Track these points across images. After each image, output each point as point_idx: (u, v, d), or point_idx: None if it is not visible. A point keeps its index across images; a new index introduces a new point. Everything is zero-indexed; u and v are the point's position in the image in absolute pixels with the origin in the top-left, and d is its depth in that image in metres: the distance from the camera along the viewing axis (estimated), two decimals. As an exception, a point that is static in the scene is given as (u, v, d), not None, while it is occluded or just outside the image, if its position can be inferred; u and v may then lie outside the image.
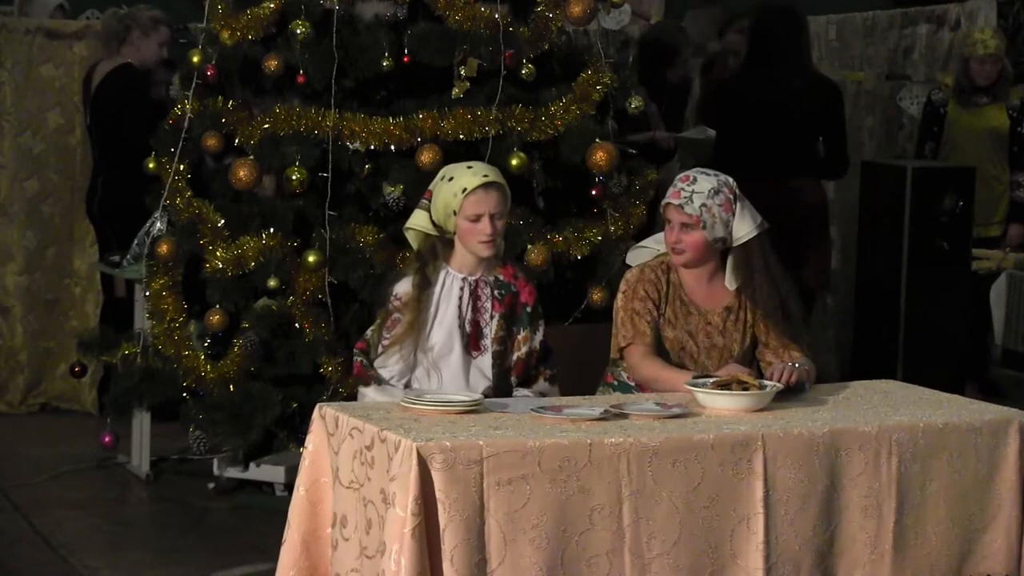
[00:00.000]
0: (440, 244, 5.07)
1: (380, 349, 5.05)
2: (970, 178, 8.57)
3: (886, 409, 4.63)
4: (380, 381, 5.01)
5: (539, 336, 5.13)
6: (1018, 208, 8.86)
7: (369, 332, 5.15)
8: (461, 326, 5.04)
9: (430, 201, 5.06)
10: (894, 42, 9.80)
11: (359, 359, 5.08)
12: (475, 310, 5.07)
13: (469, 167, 5.09)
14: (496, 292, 5.10)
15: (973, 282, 8.56)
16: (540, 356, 5.15)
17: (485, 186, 4.99)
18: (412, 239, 5.15)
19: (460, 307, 5.05)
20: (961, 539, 4.49)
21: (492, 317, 5.08)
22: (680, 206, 4.96)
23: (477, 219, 4.97)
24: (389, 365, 5.02)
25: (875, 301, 8.56)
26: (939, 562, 4.46)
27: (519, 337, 5.10)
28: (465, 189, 4.97)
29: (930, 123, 8.97)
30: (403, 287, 5.05)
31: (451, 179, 5.02)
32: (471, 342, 5.05)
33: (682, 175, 5.07)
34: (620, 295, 5.10)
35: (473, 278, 5.08)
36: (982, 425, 4.54)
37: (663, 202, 5.06)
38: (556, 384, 5.15)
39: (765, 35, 7.85)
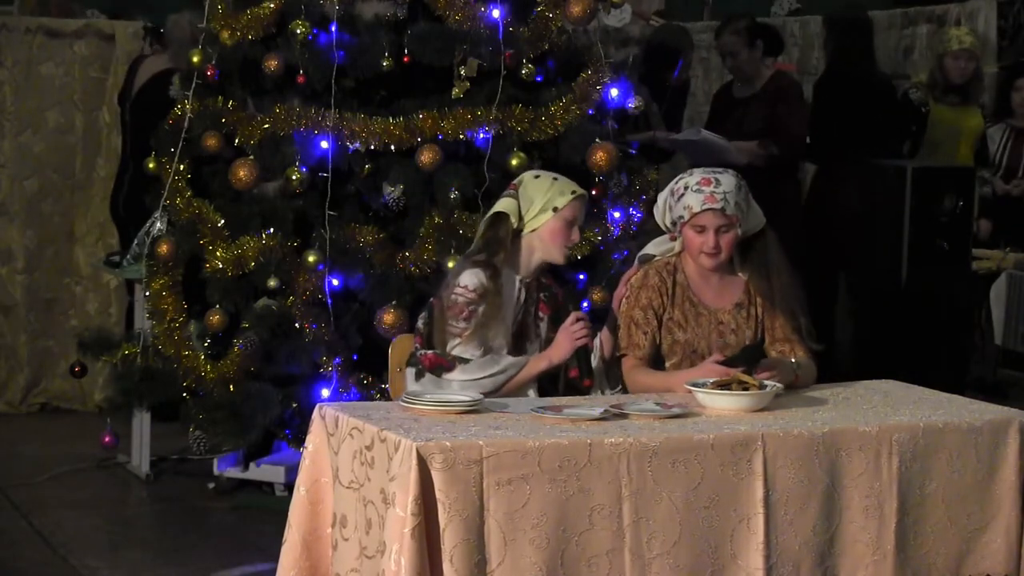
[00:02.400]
0: (510, 236, 5.08)
1: (456, 340, 4.99)
2: (970, 178, 8.58)
3: (886, 409, 4.62)
4: (463, 361, 4.97)
5: None
6: (986, 204, 8.93)
7: (421, 324, 5.10)
8: (514, 324, 5.06)
9: (517, 191, 5.10)
10: (895, 42, 9.80)
11: (426, 352, 5.03)
12: (525, 312, 5.10)
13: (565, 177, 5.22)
14: (543, 294, 5.14)
15: (973, 282, 8.58)
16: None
17: (583, 198, 5.15)
18: (489, 225, 5.10)
19: (516, 307, 5.07)
20: (960, 539, 4.49)
21: (540, 319, 5.12)
22: (721, 209, 4.91)
23: (571, 225, 5.06)
24: (470, 352, 5.00)
25: (875, 301, 8.56)
26: (937, 562, 4.46)
27: None
28: (575, 192, 5.09)
29: (908, 122, 9.00)
30: (472, 278, 5.00)
31: (555, 179, 5.12)
32: (515, 342, 5.06)
33: (699, 179, 4.98)
34: (624, 299, 5.09)
35: (526, 280, 5.10)
36: (982, 425, 4.54)
37: (694, 210, 4.94)
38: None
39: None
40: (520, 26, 6.46)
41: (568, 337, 4.97)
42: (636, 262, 5.21)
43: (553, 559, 4.07)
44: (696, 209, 4.94)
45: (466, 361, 4.96)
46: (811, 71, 9.56)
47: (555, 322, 5.13)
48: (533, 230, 5.07)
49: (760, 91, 8.39)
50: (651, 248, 5.21)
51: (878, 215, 8.56)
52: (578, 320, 4.97)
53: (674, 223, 5.05)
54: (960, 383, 7.87)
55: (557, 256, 5.10)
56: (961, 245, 8.44)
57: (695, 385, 4.61)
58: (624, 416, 4.38)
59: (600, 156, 6.39)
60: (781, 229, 8.18)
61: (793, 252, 8.34)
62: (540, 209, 5.05)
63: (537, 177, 5.14)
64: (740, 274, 5.09)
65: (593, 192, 6.53)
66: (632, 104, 6.64)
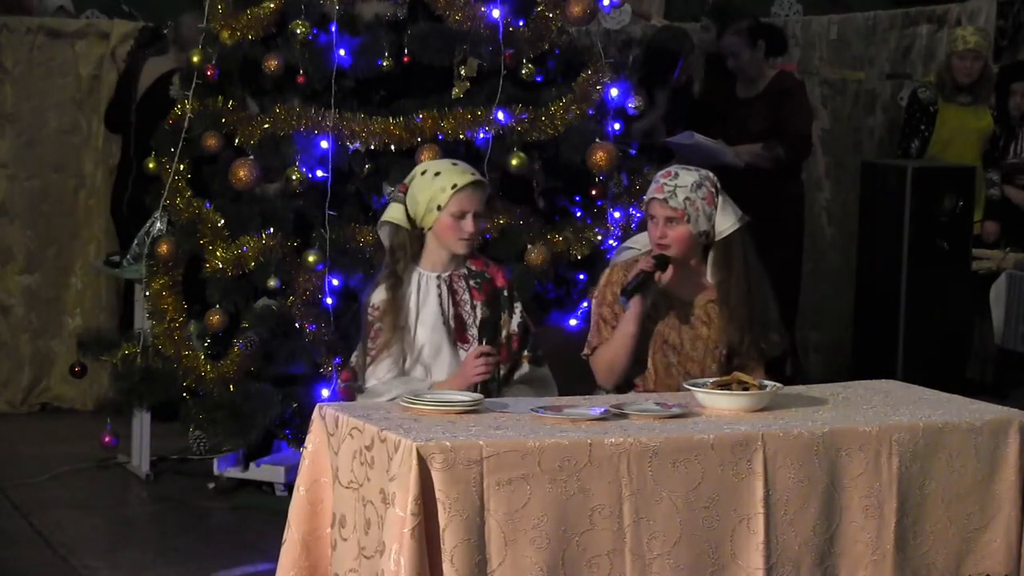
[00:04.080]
0: (411, 240, 5.08)
1: (368, 360, 5.05)
2: (970, 178, 8.59)
3: (886, 409, 4.62)
4: (361, 391, 5.04)
5: (516, 318, 5.17)
6: (992, 206, 8.94)
7: (353, 359, 5.16)
8: (445, 323, 5.06)
9: (406, 195, 5.09)
10: (895, 42, 9.80)
11: (343, 386, 5.12)
12: (455, 304, 5.09)
13: (454, 164, 5.16)
14: (473, 282, 5.13)
15: (973, 282, 8.59)
16: (520, 339, 5.18)
17: (474, 184, 5.06)
18: (385, 234, 5.16)
19: (441, 304, 5.07)
20: (960, 539, 4.48)
21: (475, 306, 5.11)
22: (665, 200, 5.03)
23: (462, 216, 5.02)
24: (380, 374, 5.02)
25: (875, 301, 8.56)
26: (937, 561, 4.46)
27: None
28: (456, 185, 5.02)
29: (917, 121, 9.02)
30: (378, 296, 5.07)
31: (437, 174, 5.06)
32: (458, 335, 5.07)
33: (663, 171, 5.16)
34: (595, 296, 5.18)
35: (447, 274, 5.11)
36: (982, 425, 4.53)
37: (646, 198, 5.13)
38: (543, 365, 5.20)
39: None
40: (520, 26, 6.46)
41: (468, 371, 4.94)
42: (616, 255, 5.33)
43: (554, 559, 4.07)
44: (646, 198, 5.12)
45: (362, 391, 5.02)
46: (812, 71, 9.56)
47: (490, 306, 5.13)
48: (430, 228, 5.07)
49: (763, 92, 8.39)
50: (632, 241, 5.31)
51: (878, 215, 8.57)
52: (481, 355, 4.95)
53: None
54: (960, 383, 7.87)
55: (457, 248, 5.09)
56: (961, 245, 8.44)
57: (695, 385, 4.63)
58: (624, 416, 4.38)
59: (600, 156, 6.38)
60: (785, 228, 8.27)
61: (796, 251, 8.41)
62: (426, 209, 5.04)
63: (424, 173, 5.10)
64: (708, 279, 5.13)
65: (593, 192, 6.53)
66: (632, 104, 6.63)
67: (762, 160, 8.20)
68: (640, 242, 5.28)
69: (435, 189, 5.02)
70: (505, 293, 5.17)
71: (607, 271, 5.23)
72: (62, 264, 8.66)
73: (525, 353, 5.18)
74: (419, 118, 6.32)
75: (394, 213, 5.11)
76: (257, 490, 6.96)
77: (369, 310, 5.07)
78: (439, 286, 5.10)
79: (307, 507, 4.43)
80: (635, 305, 5.02)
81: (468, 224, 5.02)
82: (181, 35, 8.11)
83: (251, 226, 6.42)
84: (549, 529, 4.06)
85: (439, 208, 5.01)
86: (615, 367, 5.09)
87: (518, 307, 5.19)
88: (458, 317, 5.09)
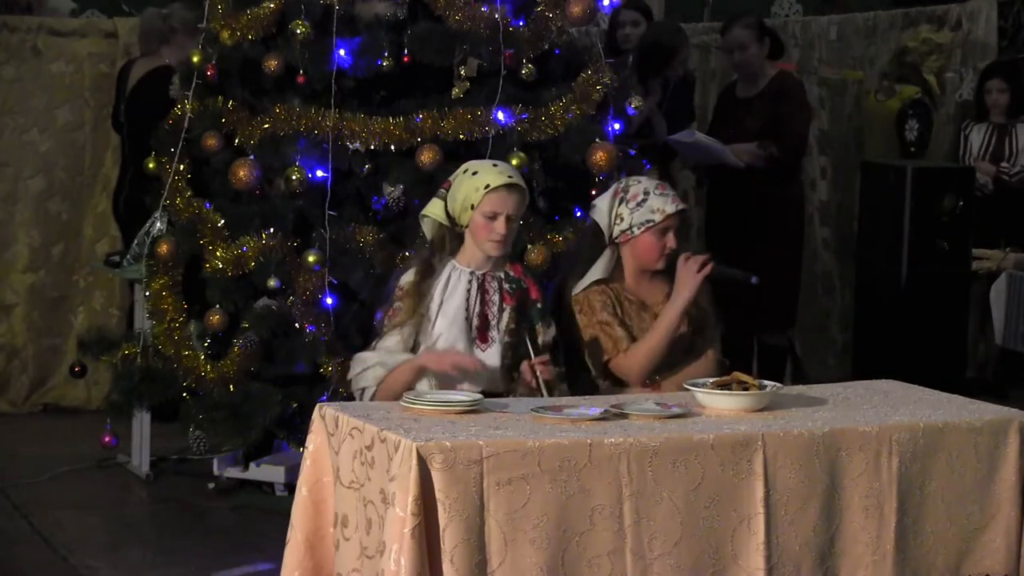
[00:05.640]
0: (450, 236, 5.11)
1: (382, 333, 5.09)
2: (970, 178, 8.59)
3: (886, 409, 4.63)
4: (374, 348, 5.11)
5: (552, 331, 5.18)
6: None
7: (374, 344, 5.18)
8: (468, 319, 5.08)
9: (448, 191, 5.11)
10: (895, 42, 9.81)
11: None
12: (483, 303, 5.11)
13: (495, 165, 5.20)
14: (507, 286, 5.15)
15: (973, 282, 8.59)
16: (551, 353, 5.19)
17: (508, 187, 5.07)
18: (426, 227, 5.22)
19: (468, 300, 5.09)
20: (960, 539, 4.49)
21: (503, 310, 5.13)
22: (688, 212, 5.20)
23: (493, 217, 5.05)
24: (385, 346, 5.05)
25: (875, 301, 8.56)
26: (937, 561, 4.46)
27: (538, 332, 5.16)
28: (488, 185, 5.04)
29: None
30: (406, 278, 5.14)
31: (475, 173, 5.10)
32: (479, 335, 5.08)
33: (656, 184, 5.36)
34: (580, 317, 5.29)
35: (480, 272, 5.12)
36: (982, 425, 4.54)
37: (667, 211, 5.27)
38: (563, 382, 5.19)
39: None
40: (520, 26, 6.46)
41: (443, 362, 5.02)
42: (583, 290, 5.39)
43: (554, 559, 4.07)
44: (670, 211, 5.27)
45: (375, 348, 5.10)
46: (810, 70, 9.56)
47: (517, 312, 5.14)
48: (466, 226, 5.11)
49: (763, 91, 8.38)
50: (596, 274, 5.37)
51: (878, 215, 8.57)
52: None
53: (629, 228, 5.30)
54: (960, 383, 7.87)
55: (488, 249, 5.11)
56: (961, 245, 8.44)
57: (695, 385, 4.64)
58: (624, 416, 4.38)
59: (600, 156, 6.38)
60: (787, 229, 8.28)
61: (796, 252, 8.43)
62: (462, 208, 5.08)
63: (465, 172, 5.14)
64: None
65: (593, 192, 6.53)
66: (632, 104, 6.63)
67: (758, 159, 8.19)
68: (595, 275, 5.35)
69: (470, 188, 5.06)
70: (539, 305, 5.16)
71: (581, 294, 5.31)
72: (68, 263, 8.66)
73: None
74: (419, 118, 6.32)
75: (434, 209, 5.17)
76: (257, 490, 6.95)
77: (396, 290, 5.12)
78: (470, 282, 5.12)
79: (310, 507, 4.43)
80: (685, 299, 5.18)
81: (500, 225, 5.05)
82: (148, 28, 8.15)
83: (251, 226, 6.43)
84: (549, 529, 4.07)
85: (472, 207, 5.05)
86: (653, 359, 5.22)
87: (552, 321, 5.22)
88: (483, 316, 5.12)
